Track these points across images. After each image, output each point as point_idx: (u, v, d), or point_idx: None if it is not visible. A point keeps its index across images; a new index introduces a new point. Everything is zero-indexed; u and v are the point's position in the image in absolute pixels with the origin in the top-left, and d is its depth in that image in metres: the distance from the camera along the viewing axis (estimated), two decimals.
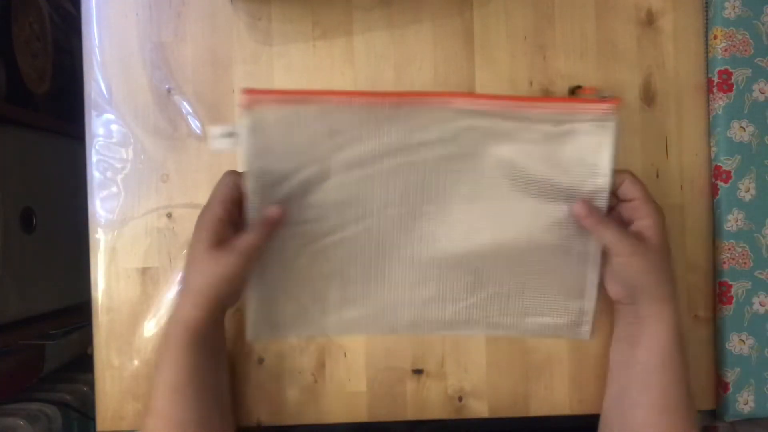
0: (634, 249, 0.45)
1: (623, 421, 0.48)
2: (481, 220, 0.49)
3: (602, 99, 0.46)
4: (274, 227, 0.46)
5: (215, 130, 0.44)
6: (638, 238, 0.45)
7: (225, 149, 0.45)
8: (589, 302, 0.51)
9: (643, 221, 0.46)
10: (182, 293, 0.47)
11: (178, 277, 0.54)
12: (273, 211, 0.46)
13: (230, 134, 0.44)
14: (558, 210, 0.48)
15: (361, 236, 0.50)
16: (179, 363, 0.45)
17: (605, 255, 0.48)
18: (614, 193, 0.48)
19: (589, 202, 0.47)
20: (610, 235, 0.45)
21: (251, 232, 0.46)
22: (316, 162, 0.47)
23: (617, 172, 0.47)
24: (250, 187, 0.46)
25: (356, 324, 0.52)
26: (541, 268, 0.51)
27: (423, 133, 0.47)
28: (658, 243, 0.45)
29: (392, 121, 0.47)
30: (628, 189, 0.47)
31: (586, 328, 0.52)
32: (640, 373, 0.47)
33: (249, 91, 0.45)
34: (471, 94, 0.46)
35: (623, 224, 0.47)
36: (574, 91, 0.50)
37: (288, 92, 0.46)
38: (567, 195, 0.48)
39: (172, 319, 0.46)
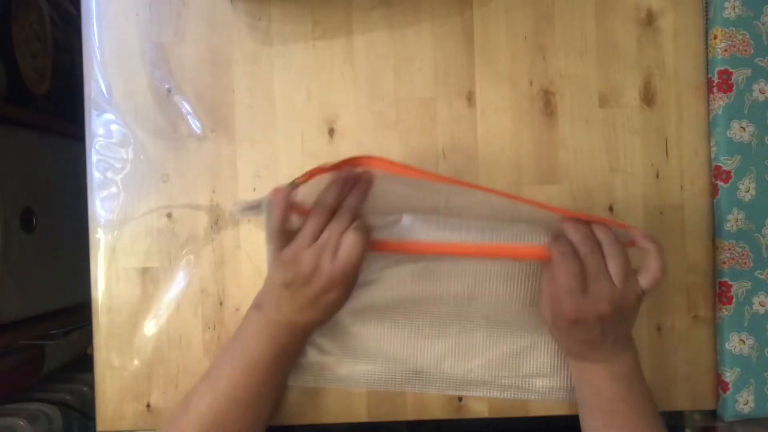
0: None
1: None
2: (495, 273, 0.49)
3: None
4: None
5: (240, 204, 0.48)
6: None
7: (250, 217, 0.49)
8: None
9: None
10: None
11: (177, 279, 0.54)
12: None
13: (255, 207, 0.48)
14: None
15: (379, 289, 0.50)
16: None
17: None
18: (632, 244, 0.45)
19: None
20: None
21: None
22: None
23: (645, 238, 0.45)
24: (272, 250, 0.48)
25: (370, 378, 0.53)
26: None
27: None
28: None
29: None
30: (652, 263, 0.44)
31: None
32: (588, 421, 0.47)
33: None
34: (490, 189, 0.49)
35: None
36: None
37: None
38: None
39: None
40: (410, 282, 0.49)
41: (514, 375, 0.52)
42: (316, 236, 0.45)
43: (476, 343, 0.52)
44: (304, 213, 0.47)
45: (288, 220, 0.45)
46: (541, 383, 0.52)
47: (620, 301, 0.43)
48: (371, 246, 0.45)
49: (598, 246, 0.44)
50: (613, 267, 0.43)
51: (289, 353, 0.48)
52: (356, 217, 0.46)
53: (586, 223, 0.46)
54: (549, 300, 0.45)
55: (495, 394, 0.53)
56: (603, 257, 0.44)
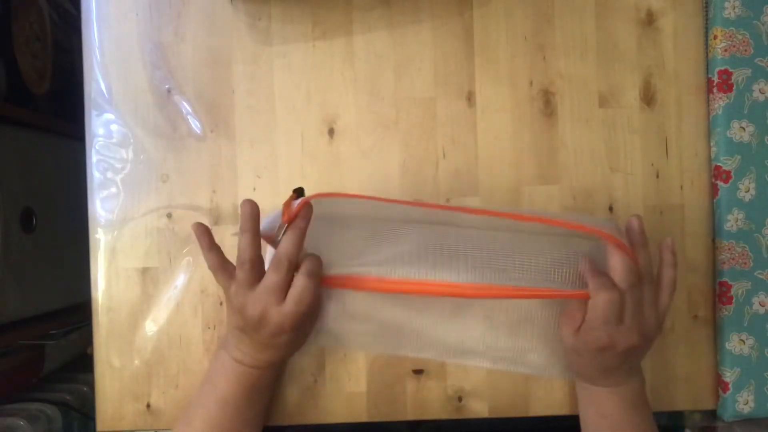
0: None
1: None
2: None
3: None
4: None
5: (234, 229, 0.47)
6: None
7: None
8: None
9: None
10: None
11: (177, 279, 0.54)
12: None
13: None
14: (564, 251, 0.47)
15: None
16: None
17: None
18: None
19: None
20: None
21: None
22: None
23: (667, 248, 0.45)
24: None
25: (363, 339, 0.51)
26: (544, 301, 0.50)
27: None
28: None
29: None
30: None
31: None
32: None
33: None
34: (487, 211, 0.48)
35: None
36: None
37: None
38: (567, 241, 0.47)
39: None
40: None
41: (509, 348, 0.51)
42: (252, 282, 0.43)
43: (474, 314, 0.50)
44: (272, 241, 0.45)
45: (214, 253, 0.44)
46: (534, 358, 0.51)
47: (649, 331, 0.43)
48: (346, 284, 0.45)
49: (640, 278, 0.43)
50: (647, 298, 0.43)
51: (259, 388, 0.48)
52: (294, 259, 0.43)
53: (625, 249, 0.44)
54: (573, 323, 0.44)
55: (487, 364, 0.51)
56: (643, 289, 0.43)
